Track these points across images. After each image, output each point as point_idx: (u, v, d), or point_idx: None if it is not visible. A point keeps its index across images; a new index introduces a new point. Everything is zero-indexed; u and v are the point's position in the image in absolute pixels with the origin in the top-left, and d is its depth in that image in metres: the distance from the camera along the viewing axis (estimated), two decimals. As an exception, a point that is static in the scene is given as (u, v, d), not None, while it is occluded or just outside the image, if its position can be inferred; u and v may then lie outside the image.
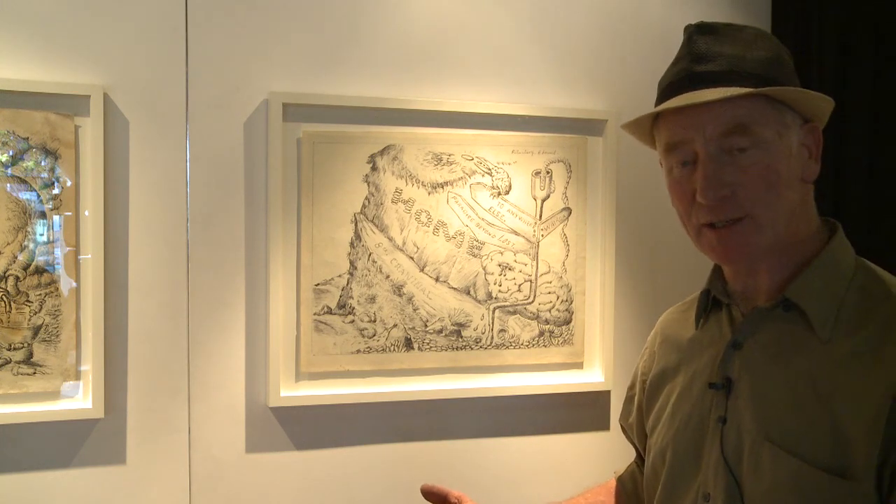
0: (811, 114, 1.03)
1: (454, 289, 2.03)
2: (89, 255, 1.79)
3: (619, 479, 1.38)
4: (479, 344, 2.05)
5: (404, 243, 2.00)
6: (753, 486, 1.00)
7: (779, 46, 1.06)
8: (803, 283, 1.02)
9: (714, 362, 1.10)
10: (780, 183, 1.00)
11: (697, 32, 1.05)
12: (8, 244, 1.75)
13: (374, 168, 1.98)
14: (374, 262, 1.98)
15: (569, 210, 2.12)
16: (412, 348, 2.01)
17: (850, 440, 0.93)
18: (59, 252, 1.78)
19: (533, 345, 2.10)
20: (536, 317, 2.09)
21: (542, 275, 2.10)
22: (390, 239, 1.99)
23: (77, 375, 1.80)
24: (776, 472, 0.98)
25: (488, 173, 2.05)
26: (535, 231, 2.09)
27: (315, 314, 1.94)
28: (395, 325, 2.00)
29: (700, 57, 1.03)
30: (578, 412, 2.17)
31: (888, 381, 0.92)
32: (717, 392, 1.07)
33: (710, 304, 1.17)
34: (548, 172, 2.10)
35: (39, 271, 1.77)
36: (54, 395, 1.78)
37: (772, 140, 1.00)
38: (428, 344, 2.02)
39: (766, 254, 1.04)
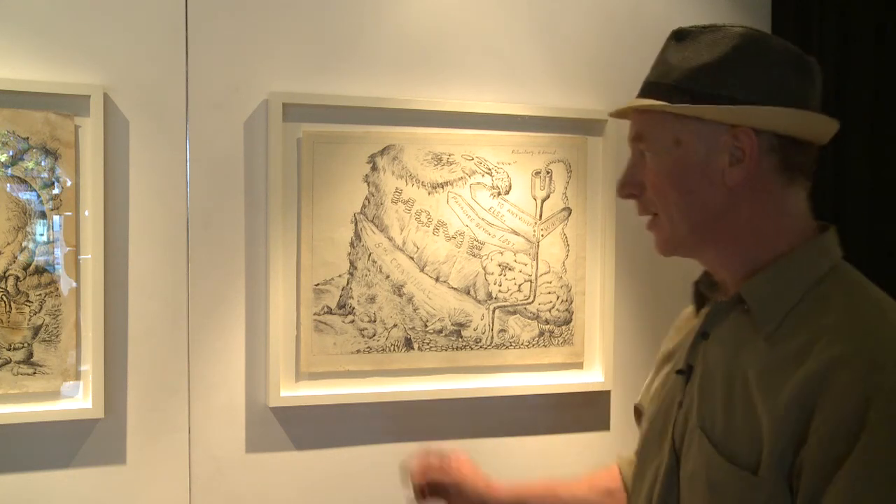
0: (740, 120, 1.05)
1: (454, 289, 2.03)
2: (89, 255, 1.79)
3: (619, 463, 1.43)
4: (479, 344, 2.05)
5: (404, 243, 2.00)
6: (684, 469, 1.08)
7: (738, 49, 1.07)
8: (755, 283, 1.06)
9: (686, 350, 1.17)
10: (675, 188, 1.08)
11: (671, 38, 1.14)
12: (8, 244, 1.75)
13: (374, 168, 1.98)
14: (374, 262, 1.98)
15: (569, 210, 2.12)
16: (412, 348, 2.01)
17: (762, 438, 0.97)
18: (59, 252, 1.78)
19: (533, 345, 2.10)
20: (536, 317, 2.09)
21: (542, 275, 2.10)
22: (390, 239, 1.99)
23: (77, 375, 1.80)
24: (697, 459, 1.05)
25: (488, 173, 2.05)
26: (535, 231, 2.09)
27: (315, 314, 1.94)
28: (395, 325, 2.00)
29: (655, 64, 1.13)
30: (578, 412, 2.17)
31: (798, 385, 0.95)
32: (681, 378, 1.14)
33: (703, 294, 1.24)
34: (548, 172, 2.10)
35: (39, 271, 1.77)
36: (54, 395, 1.78)
37: (667, 148, 1.08)
38: (428, 344, 2.02)
39: (691, 250, 1.13)
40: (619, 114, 1.16)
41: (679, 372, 1.15)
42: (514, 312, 2.08)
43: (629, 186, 1.13)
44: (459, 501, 1.41)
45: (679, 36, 1.12)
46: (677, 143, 1.07)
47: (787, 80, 1.07)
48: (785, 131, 1.05)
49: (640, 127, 1.11)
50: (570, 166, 2.11)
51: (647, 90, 1.12)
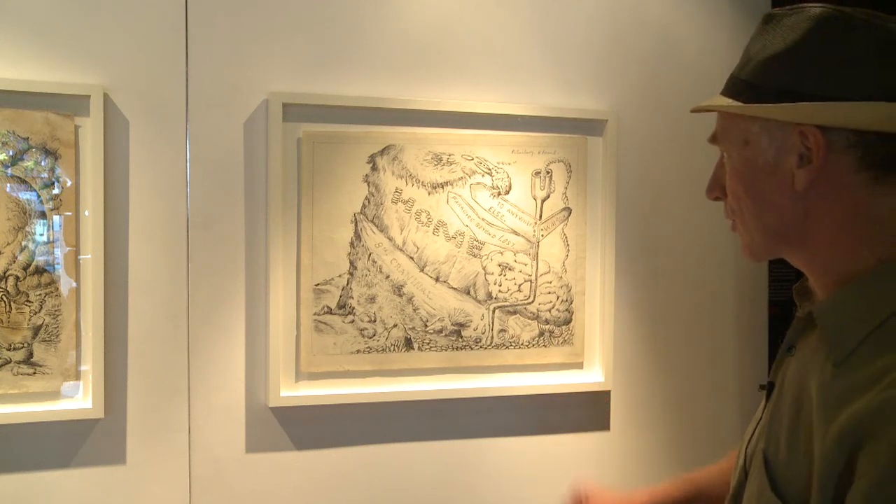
0: (803, 118, 0.92)
1: (454, 289, 2.03)
2: (89, 255, 1.79)
3: None
4: (479, 344, 2.05)
5: (404, 243, 2.00)
6: (746, 491, 1.01)
7: (809, 34, 0.93)
8: (830, 302, 0.95)
9: (775, 363, 1.08)
10: (745, 192, 0.98)
11: (760, 22, 1.01)
12: (8, 244, 1.75)
13: (374, 168, 1.98)
14: (374, 262, 1.98)
15: (569, 210, 2.12)
16: (412, 348, 2.01)
17: (810, 476, 0.87)
18: (59, 252, 1.78)
19: (533, 345, 2.10)
20: (536, 317, 2.09)
21: (542, 275, 2.10)
22: (390, 239, 1.99)
23: (77, 375, 1.80)
24: (752, 485, 0.98)
25: (488, 173, 2.05)
26: (535, 231, 2.09)
27: (315, 314, 1.94)
28: (395, 325, 2.00)
29: (742, 54, 1.03)
30: (578, 412, 2.17)
31: (850, 420, 0.84)
32: (764, 393, 1.06)
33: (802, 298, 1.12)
34: (548, 172, 2.10)
35: (39, 271, 1.77)
36: (54, 395, 1.78)
37: (736, 151, 0.99)
38: (428, 344, 2.02)
39: (775, 255, 1.02)
40: (699, 110, 1.06)
41: (762, 387, 1.07)
42: (514, 312, 2.08)
43: (714, 189, 1.04)
44: None
45: (766, 20, 0.99)
46: (746, 144, 0.97)
47: (874, 66, 0.90)
48: (867, 127, 0.89)
49: (717, 126, 1.02)
50: (570, 166, 2.11)
51: (728, 85, 1.01)
